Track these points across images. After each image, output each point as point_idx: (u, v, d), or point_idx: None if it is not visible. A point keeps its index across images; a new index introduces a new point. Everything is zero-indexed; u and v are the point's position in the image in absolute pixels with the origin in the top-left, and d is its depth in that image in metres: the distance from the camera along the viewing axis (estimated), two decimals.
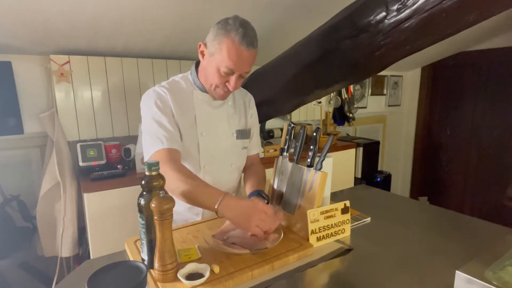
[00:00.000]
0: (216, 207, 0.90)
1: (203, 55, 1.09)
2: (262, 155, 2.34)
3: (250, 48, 1.00)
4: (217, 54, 1.02)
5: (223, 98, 1.15)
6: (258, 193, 1.10)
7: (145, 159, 1.05)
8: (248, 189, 1.17)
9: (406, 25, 1.07)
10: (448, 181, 3.68)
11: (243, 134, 1.24)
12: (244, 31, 0.99)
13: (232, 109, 1.22)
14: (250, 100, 1.31)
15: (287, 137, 1.16)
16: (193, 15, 1.69)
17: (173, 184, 0.94)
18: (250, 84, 2.03)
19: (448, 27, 1.05)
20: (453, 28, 1.06)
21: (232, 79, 1.05)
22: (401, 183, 4.13)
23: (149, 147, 1.04)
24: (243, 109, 1.27)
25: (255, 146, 1.33)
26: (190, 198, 0.95)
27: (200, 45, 1.09)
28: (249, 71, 1.08)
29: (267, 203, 1.09)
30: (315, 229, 0.97)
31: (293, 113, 2.89)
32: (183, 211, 1.19)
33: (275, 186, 1.16)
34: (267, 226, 0.89)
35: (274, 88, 1.84)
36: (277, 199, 1.14)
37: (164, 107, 1.07)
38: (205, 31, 1.08)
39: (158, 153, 1.02)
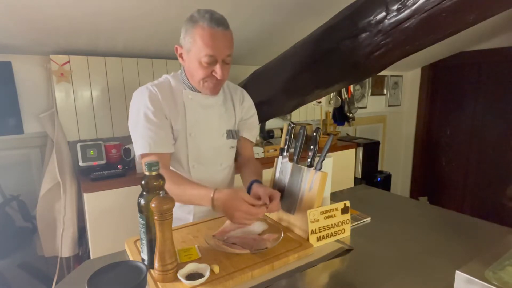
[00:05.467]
0: (210, 207, 0.93)
1: (182, 57, 1.08)
2: (262, 155, 2.34)
3: (222, 28, 0.99)
4: (193, 48, 1.01)
5: (215, 91, 1.11)
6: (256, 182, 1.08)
7: (136, 154, 1.06)
8: (246, 181, 1.14)
9: (406, 25, 1.07)
10: (448, 181, 3.68)
11: (233, 134, 1.23)
12: (210, 15, 0.98)
13: (223, 109, 1.20)
14: (240, 95, 1.27)
15: (287, 137, 1.16)
16: None
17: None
18: (250, 84, 2.03)
19: (448, 27, 1.05)
20: (453, 28, 1.06)
21: (217, 67, 1.02)
22: (401, 183, 4.13)
23: (140, 147, 1.04)
24: (232, 107, 1.24)
25: (250, 131, 1.28)
26: (184, 201, 1.00)
27: (176, 49, 1.08)
28: (230, 54, 1.04)
29: None
30: (315, 229, 0.97)
31: (293, 113, 2.89)
32: (174, 209, 1.19)
33: (275, 186, 1.16)
34: (249, 221, 0.93)
35: (274, 88, 1.84)
36: None
37: (156, 107, 1.06)
38: None
39: (147, 158, 1.03)
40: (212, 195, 0.92)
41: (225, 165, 1.23)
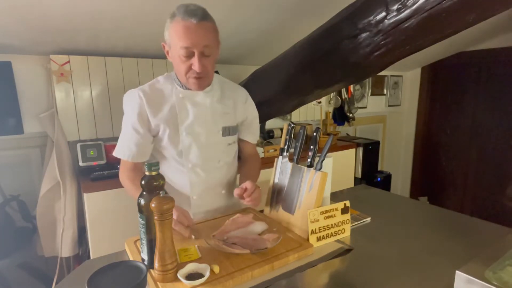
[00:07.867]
0: None
1: (168, 54, 1.10)
2: (262, 155, 2.34)
3: (196, 20, 0.97)
4: (172, 43, 1.03)
5: (200, 86, 1.10)
6: None
7: (114, 153, 1.16)
8: (241, 181, 1.16)
9: (406, 25, 1.07)
10: (448, 181, 3.68)
11: (230, 131, 1.22)
12: (184, 8, 0.99)
13: (218, 106, 1.18)
14: (244, 95, 1.28)
15: (287, 137, 1.16)
16: None
17: (127, 191, 1.13)
18: (250, 84, 2.03)
19: (448, 27, 1.05)
20: (453, 28, 1.06)
21: (194, 59, 1.01)
22: (401, 183, 4.13)
23: (120, 152, 1.14)
24: (232, 105, 1.23)
25: (252, 134, 1.31)
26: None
27: (163, 46, 1.10)
28: (209, 45, 1.02)
29: None
30: (315, 229, 0.97)
31: (293, 113, 2.89)
32: None
33: (275, 186, 1.16)
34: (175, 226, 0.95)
35: (274, 88, 1.84)
36: (277, 199, 1.14)
37: (140, 116, 1.10)
38: None
39: (125, 162, 1.15)
40: None
41: (223, 162, 1.22)
